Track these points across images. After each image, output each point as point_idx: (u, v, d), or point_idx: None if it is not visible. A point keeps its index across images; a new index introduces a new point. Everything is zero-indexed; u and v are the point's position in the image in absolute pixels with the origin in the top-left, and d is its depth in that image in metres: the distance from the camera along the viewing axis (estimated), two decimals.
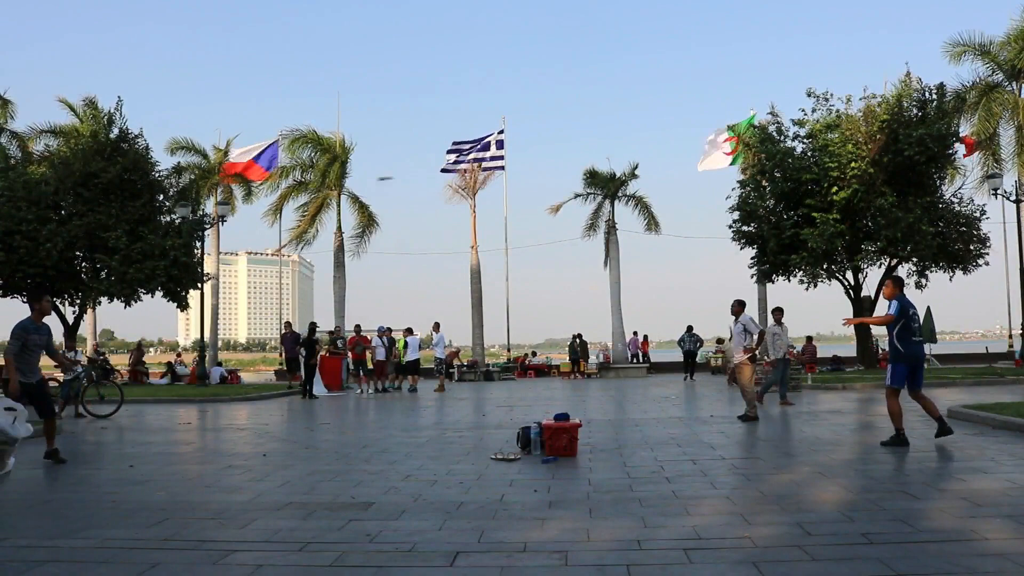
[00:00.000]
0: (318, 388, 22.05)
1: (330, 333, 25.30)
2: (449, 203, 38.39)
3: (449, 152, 36.33)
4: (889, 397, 9.17)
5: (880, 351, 30.93)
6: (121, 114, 27.79)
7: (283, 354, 28.00)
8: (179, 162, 33.21)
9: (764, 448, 9.26)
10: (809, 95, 27.25)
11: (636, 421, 12.69)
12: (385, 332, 23.67)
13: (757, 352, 12.93)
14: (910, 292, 25.92)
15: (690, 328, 28.90)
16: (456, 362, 32.14)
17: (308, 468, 8.35)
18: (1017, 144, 29.77)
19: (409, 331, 23.89)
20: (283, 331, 25.69)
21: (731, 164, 34.83)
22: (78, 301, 27.98)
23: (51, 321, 9.46)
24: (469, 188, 36.08)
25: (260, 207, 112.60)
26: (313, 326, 22.13)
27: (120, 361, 37.07)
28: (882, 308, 33.13)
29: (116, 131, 27.53)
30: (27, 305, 9.36)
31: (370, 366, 23.54)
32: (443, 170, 36.25)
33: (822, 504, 5.88)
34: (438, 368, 24.59)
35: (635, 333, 36.60)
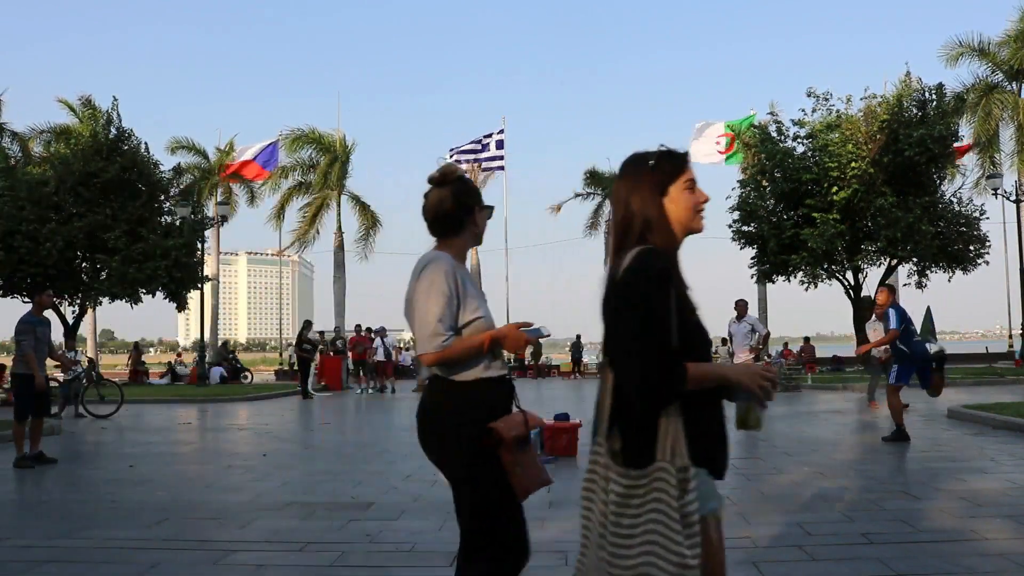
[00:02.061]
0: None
1: (320, 333, 25.14)
2: None
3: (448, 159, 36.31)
4: (891, 395, 9.44)
5: (881, 351, 30.88)
6: (117, 113, 27.75)
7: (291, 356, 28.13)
8: (180, 163, 33.20)
9: (764, 448, 9.26)
10: (809, 95, 27.22)
11: None
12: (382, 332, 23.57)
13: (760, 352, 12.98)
14: (911, 292, 26.09)
15: None
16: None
17: (308, 468, 8.36)
18: (1017, 144, 29.73)
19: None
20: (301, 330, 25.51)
21: (727, 163, 34.76)
22: (78, 301, 27.97)
23: (51, 320, 9.45)
24: None
25: (260, 208, 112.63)
26: (308, 324, 22.15)
27: (118, 361, 37.08)
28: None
29: (114, 131, 27.49)
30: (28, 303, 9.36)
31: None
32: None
33: (822, 504, 5.88)
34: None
35: None
